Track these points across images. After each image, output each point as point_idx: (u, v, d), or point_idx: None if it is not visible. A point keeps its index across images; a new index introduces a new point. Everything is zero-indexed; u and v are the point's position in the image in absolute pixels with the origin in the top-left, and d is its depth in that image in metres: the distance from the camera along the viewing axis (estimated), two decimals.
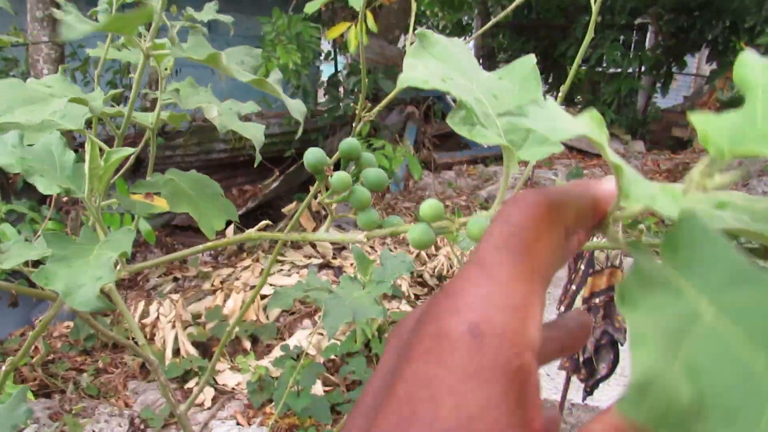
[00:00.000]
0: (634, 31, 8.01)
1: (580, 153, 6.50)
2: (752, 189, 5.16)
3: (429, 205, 0.31)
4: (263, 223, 0.51)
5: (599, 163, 6.23)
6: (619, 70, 6.87)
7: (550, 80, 8.16)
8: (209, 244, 0.47)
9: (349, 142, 0.37)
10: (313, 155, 0.37)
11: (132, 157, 0.83)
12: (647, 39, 8.17)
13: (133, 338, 0.71)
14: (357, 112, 0.81)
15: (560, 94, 0.95)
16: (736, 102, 7.39)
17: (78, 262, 0.43)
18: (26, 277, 0.64)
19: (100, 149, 0.51)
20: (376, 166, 0.38)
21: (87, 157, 0.48)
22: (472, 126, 0.30)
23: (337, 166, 0.38)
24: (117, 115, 0.55)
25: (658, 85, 7.44)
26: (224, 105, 0.55)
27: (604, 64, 6.97)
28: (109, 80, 3.87)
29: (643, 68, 7.10)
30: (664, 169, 6.20)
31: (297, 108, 0.51)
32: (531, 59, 0.33)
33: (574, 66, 0.82)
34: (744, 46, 6.93)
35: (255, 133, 0.53)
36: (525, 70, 0.32)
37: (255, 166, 0.54)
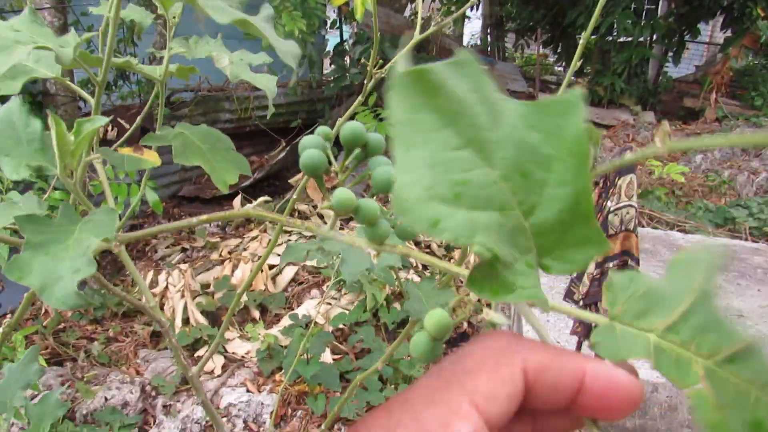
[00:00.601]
0: None
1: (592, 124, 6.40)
2: (765, 159, 5.09)
3: (433, 320, 0.26)
4: (261, 199, 0.49)
5: (608, 135, 6.16)
6: (630, 38, 6.73)
7: (559, 50, 8.03)
8: (203, 217, 0.44)
9: (352, 127, 0.31)
10: (310, 158, 0.30)
11: (136, 126, 0.81)
12: (659, 6, 8.00)
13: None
14: (368, 69, 0.79)
15: (571, 68, 0.92)
16: (749, 71, 7.24)
17: (55, 248, 0.37)
18: None
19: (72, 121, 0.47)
20: (384, 152, 0.32)
21: (53, 133, 0.41)
22: (494, 278, 0.22)
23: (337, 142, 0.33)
24: (97, 64, 0.52)
25: (670, 54, 7.29)
26: (235, 55, 0.53)
27: (615, 33, 6.83)
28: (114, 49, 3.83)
29: (654, 37, 6.96)
30: (674, 140, 6.10)
31: (289, 51, 0.47)
32: (578, 103, 0.23)
33: (585, 36, 0.79)
34: (761, 12, 6.77)
35: (267, 83, 0.51)
36: (570, 123, 0.22)
37: (268, 118, 0.52)
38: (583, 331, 1.22)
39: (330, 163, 0.32)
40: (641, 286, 0.23)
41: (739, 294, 2.24)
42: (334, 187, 0.31)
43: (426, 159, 0.22)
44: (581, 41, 0.76)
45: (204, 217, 0.41)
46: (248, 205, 0.38)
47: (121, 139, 0.85)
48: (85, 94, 0.64)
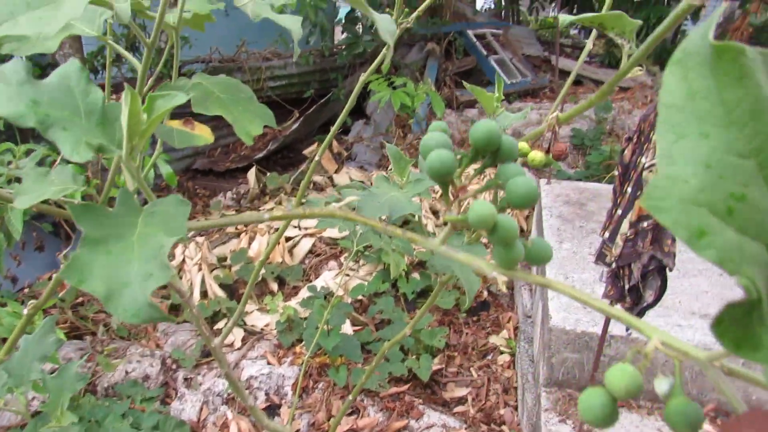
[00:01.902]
0: None
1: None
2: None
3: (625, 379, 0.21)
4: (349, 198, 0.43)
5: (625, 96, 6.02)
6: None
7: (575, 11, 7.81)
8: (246, 216, 0.37)
9: (488, 128, 0.26)
10: (439, 160, 0.25)
11: (149, 88, 0.76)
12: None
13: None
14: (394, 15, 0.73)
15: (593, 33, 0.85)
16: None
17: (118, 247, 0.31)
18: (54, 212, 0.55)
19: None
20: (517, 158, 0.27)
21: (125, 108, 0.35)
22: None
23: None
24: (152, 18, 0.47)
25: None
26: None
27: None
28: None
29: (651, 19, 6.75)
30: None
31: (386, 27, 0.41)
32: None
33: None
34: None
35: (292, 24, 0.46)
36: None
37: (294, 60, 0.47)
38: (615, 294, 1.17)
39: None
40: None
41: None
42: (454, 196, 0.27)
43: (701, 157, 0.17)
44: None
45: (278, 213, 0.35)
46: (334, 205, 0.33)
47: (169, 105, 0.80)
48: (132, 58, 0.57)
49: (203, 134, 0.45)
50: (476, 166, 0.27)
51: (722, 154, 0.17)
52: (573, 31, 9.01)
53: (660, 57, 6.87)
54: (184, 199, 0.34)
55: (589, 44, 0.90)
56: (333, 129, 0.82)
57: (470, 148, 0.26)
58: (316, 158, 0.81)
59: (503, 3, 7.80)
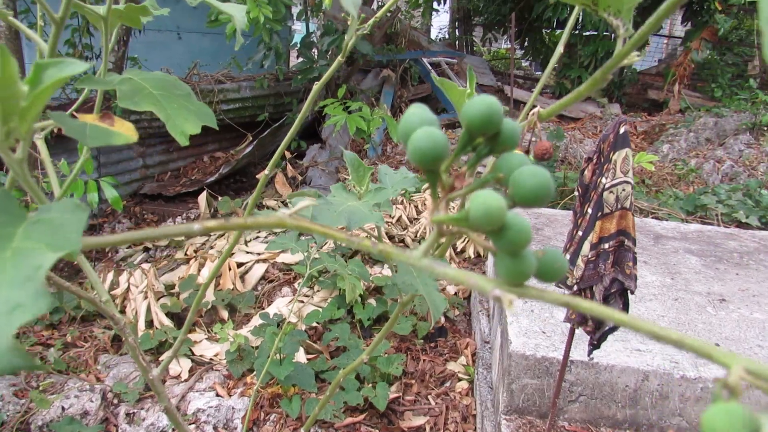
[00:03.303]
0: None
1: (558, 117, 6.43)
2: (729, 147, 5.16)
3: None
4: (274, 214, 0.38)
5: (576, 126, 6.18)
6: (595, 32, 6.79)
7: (525, 44, 8.03)
8: (170, 229, 0.29)
9: (487, 103, 0.20)
10: (429, 138, 0.19)
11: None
12: None
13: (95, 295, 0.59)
14: (349, 25, 0.69)
15: (549, 67, 0.84)
16: (709, 64, 7.44)
17: None
18: None
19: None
20: (518, 146, 0.21)
21: None
22: None
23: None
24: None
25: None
26: None
27: (581, 27, 6.87)
28: (67, 39, 3.64)
29: None
30: (640, 131, 6.17)
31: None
32: None
33: (565, 34, 0.71)
34: (719, 6, 6.90)
35: (236, 13, 0.41)
36: None
37: (236, 49, 0.42)
38: (578, 317, 1.14)
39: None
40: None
41: (719, 278, 2.21)
42: (447, 190, 0.20)
43: None
44: (562, 39, 0.66)
45: (212, 223, 0.26)
46: (284, 212, 0.26)
47: (75, 104, 0.73)
48: (34, 35, 0.51)
49: (123, 131, 0.38)
50: (467, 158, 0.22)
51: None
52: (525, 63, 9.25)
53: (608, 90, 7.11)
54: (81, 204, 0.27)
55: (544, 77, 0.88)
56: (282, 145, 0.78)
57: (462, 132, 0.21)
58: (266, 173, 0.76)
59: (457, 33, 7.95)
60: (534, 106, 0.39)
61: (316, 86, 0.73)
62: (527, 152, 0.42)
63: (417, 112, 0.20)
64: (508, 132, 0.21)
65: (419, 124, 0.20)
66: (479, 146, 0.21)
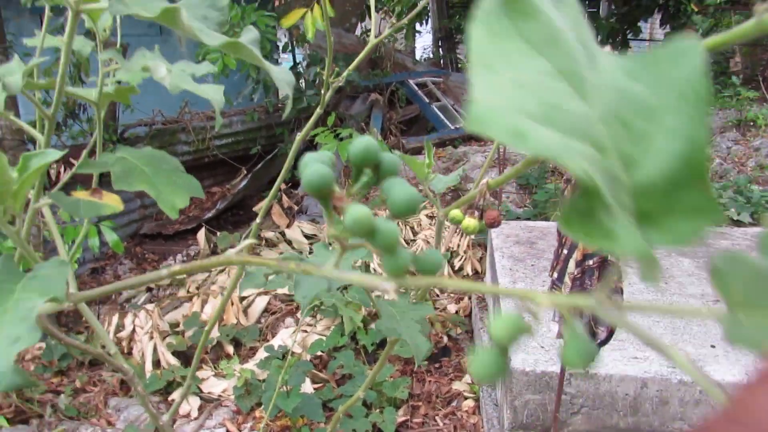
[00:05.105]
0: (587, 2, 8.04)
1: None
2: (716, 145, 5.23)
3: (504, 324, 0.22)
4: (246, 242, 0.43)
5: None
6: None
7: None
8: (175, 268, 0.36)
9: (364, 143, 0.26)
10: (317, 173, 0.25)
11: (83, 160, 0.75)
12: (600, 9, 8.22)
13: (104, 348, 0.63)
14: (324, 78, 0.74)
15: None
16: None
17: None
18: None
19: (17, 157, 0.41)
20: (399, 172, 0.27)
21: None
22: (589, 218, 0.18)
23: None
24: (49, 87, 0.47)
25: (616, 52, 7.48)
26: (176, 66, 0.48)
27: None
28: (46, 69, 3.71)
29: (599, 37, 7.13)
30: None
31: (283, 78, 0.42)
32: (694, 49, 0.19)
33: None
34: (695, 8, 7.02)
35: (213, 95, 0.46)
36: (684, 70, 0.18)
37: (217, 129, 0.47)
38: None
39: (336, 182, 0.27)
40: (749, 269, 0.19)
41: None
42: (336, 210, 0.26)
43: (512, 79, 0.18)
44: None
45: (176, 268, 0.34)
46: (230, 251, 0.32)
47: (67, 176, 0.78)
48: (33, 130, 0.57)
49: (110, 203, 0.45)
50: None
51: (532, 74, 0.18)
52: None
53: None
54: (64, 261, 0.34)
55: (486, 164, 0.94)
56: (275, 185, 0.83)
57: (352, 166, 0.27)
58: (262, 208, 0.81)
59: (441, 52, 8.07)
60: (484, 177, 0.44)
61: (313, 117, 0.78)
62: (480, 218, 0.47)
63: (313, 155, 0.27)
64: (388, 163, 0.27)
65: (311, 162, 0.26)
66: (366, 177, 0.27)
